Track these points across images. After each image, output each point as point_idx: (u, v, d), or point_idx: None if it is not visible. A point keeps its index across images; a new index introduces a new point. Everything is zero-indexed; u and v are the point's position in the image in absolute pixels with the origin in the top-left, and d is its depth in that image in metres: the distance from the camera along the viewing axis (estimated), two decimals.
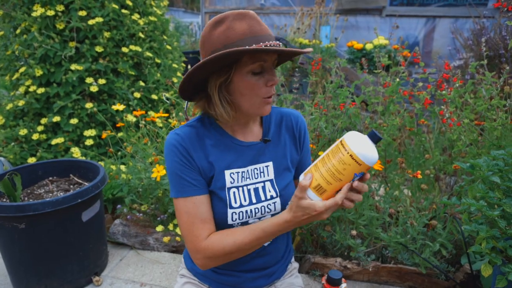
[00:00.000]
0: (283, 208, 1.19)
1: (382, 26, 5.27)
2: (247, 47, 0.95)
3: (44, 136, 2.85)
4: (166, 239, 1.98)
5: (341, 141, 0.87)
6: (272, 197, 1.16)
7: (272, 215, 1.18)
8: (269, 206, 1.16)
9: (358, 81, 2.21)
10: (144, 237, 2.06)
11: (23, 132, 2.81)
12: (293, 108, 2.20)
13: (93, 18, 2.89)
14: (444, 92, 1.72)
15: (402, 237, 1.73)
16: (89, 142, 2.83)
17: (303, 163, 1.28)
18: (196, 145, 1.12)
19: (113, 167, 2.53)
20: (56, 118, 2.81)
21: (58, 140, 2.78)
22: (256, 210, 1.15)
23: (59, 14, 2.83)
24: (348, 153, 0.85)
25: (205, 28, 1.03)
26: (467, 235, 1.75)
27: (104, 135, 2.35)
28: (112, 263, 1.94)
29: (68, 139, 2.85)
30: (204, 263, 1.08)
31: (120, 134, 2.91)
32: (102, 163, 2.63)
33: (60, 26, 2.84)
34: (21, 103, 2.86)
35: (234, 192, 1.14)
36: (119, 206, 2.14)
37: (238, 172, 1.15)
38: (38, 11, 2.77)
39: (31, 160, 2.77)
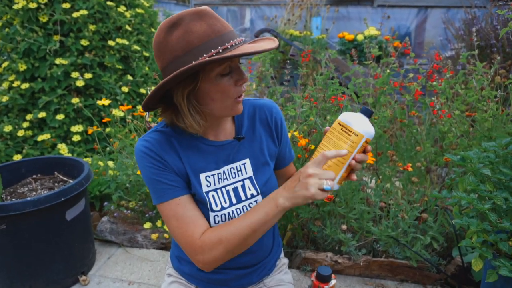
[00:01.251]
0: None
1: (374, 17, 5.22)
2: (212, 51, 0.89)
3: (30, 133, 2.78)
4: (154, 236, 1.95)
5: (338, 123, 0.93)
6: (253, 195, 1.13)
7: None
8: (250, 205, 1.13)
9: (348, 73, 2.18)
10: (133, 234, 2.02)
11: (7, 128, 2.74)
12: (283, 101, 2.16)
13: (77, 10, 2.81)
14: (434, 83, 1.69)
15: (393, 231, 1.71)
16: (76, 138, 2.77)
17: (282, 154, 1.25)
18: (167, 148, 1.06)
19: (101, 163, 2.48)
20: (42, 114, 2.74)
21: (44, 136, 2.72)
22: (238, 210, 1.11)
23: (42, 6, 2.75)
24: (349, 130, 0.91)
25: (158, 32, 0.94)
26: (458, 228, 1.73)
27: (90, 131, 2.29)
28: (100, 261, 1.90)
29: (54, 135, 2.79)
30: (206, 262, 1.01)
31: (107, 130, 2.85)
32: (89, 160, 2.58)
33: (43, 19, 2.76)
34: (5, 98, 2.78)
35: (213, 196, 1.10)
36: (106, 203, 2.10)
37: (213, 175, 1.11)
38: (19, 3, 2.68)
39: (17, 158, 2.71)
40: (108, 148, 2.79)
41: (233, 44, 0.92)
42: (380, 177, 2.12)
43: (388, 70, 2.05)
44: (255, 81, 3.55)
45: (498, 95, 1.57)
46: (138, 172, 1.72)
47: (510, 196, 1.25)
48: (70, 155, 2.60)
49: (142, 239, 2.02)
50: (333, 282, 1.24)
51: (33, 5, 2.70)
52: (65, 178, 1.88)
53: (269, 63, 3.36)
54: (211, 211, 1.08)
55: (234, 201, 1.11)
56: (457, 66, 2.92)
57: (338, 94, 1.73)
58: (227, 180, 1.12)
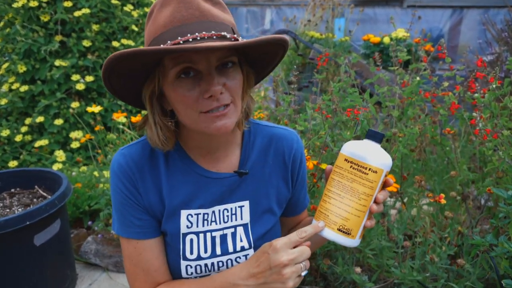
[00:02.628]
0: None
1: (403, 18, 4.85)
2: (168, 43, 0.68)
3: (29, 138, 2.64)
4: None
5: (345, 159, 0.74)
6: (243, 248, 0.87)
7: None
8: (237, 259, 0.87)
9: (370, 80, 1.88)
10: (119, 258, 1.81)
11: (5, 133, 2.61)
12: (291, 112, 1.89)
13: (79, 9, 2.64)
14: (476, 94, 1.38)
15: (419, 273, 1.40)
16: (75, 144, 2.60)
17: (295, 199, 0.98)
18: (145, 172, 0.83)
19: (96, 173, 2.29)
20: (40, 119, 2.59)
21: (42, 142, 2.57)
22: (221, 263, 0.86)
23: (43, 5, 2.60)
24: (364, 168, 0.72)
25: None
26: (502, 274, 1.41)
27: (82, 139, 2.11)
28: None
29: (53, 141, 2.64)
30: None
31: (109, 136, 2.67)
32: (85, 169, 2.39)
33: (44, 18, 2.61)
34: (3, 101, 2.66)
35: (191, 240, 0.85)
36: (90, 222, 1.90)
37: (198, 214, 0.86)
38: (20, 1, 2.55)
39: (13, 164, 2.57)
40: (109, 157, 2.61)
41: (197, 38, 0.67)
42: (406, 200, 1.81)
43: (418, 78, 1.74)
44: (273, 85, 3.30)
45: None
46: None
47: None
48: (59, 165, 2.40)
49: None
50: None
51: (34, 4, 2.56)
52: (45, 194, 1.69)
53: (282, 67, 3.10)
54: (183, 259, 0.84)
55: (218, 251, 0.86)
56: (498, 73, 2.55)
57: (356, 106, 1.45)
58: (215, 224, 0.87)
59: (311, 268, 1.71)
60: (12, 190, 1.73)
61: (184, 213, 0.85)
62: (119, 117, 2.06)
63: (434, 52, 1.99)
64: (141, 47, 0.65)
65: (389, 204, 1.74)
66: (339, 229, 0.73)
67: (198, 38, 0.67)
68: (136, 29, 2.95)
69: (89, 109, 1.93)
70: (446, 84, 1.70)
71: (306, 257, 0.71)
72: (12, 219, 1.31)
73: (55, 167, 2.31)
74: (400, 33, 3.27)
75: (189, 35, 0.67)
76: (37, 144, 2.56)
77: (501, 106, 1.44)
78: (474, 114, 1.31)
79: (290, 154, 0.93)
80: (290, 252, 0.70)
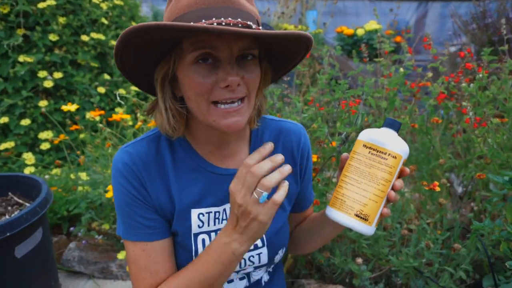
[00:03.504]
0: (270, 259, 0.87)
1: (371, 11, 4.96)
2: (191, 24, 0.61)
3: None
4: None
5: (363, 145, 0.74)
6: (256, 247, 0.84)
7: (256, 267, 0.86)
8: (251, 258, 0.84)
9: (353, 72, 1.89)
10: (106, 264, 1.71)
11: None
12: (281, 105, 1.87)
13: (44, 0, 2.46)
14: (464, 84, 1.42)
15: (415, 260, 1.43)
16: (45, 146, 2.43)
17: (302, 194, 0.96)
18: (153, 170, 0.79)
19: (72, 176, 2.16)
20: (4, 119, 2.40)
21: (8, 144, 2.38)
22: None
23: None
24: (383, 153, 0.71)
25: None
26: (491, 255, 1.47)
27: (56, 140, 1.97)
28: None
29: (20, 142, 2.45)
30: None
31: (82, 136, 2.52)
32: (58, 172, 2.25)
33: (4, 10, 2.40)
34: None
35: (203, 240, 0.81)
36: (72, 228, 1.78)
37: (209, 213, 0.82)
38: None
39: None
40: (83, 157, 2.46)
41: (222, 23, 0.63)
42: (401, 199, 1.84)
43: (401, 69, 1.77)
44: None
45: None
46: (109, 194, 1.41)
47: None
48: (31, 168, 2.24)
49: (117, 269, 1.71)
50: None
51: None
52: (20, 201, 1.56)
53: None
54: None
55: None
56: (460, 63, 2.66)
57: (348, 98, 1.45)
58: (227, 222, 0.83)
59: (306, 261, 1.70)
60: None
61: (195, 212, 0.81)
62: (96, 115, 1.94)
63: (419, 44, 2.03)
64: (147, 23, 0.59)
65: None
66: (356, 215, 0.71)
67: (223, 23, 0.63)
68: (106, 22, 2.80)
69: (64, 107, 1.80)
70: (430, 74, 1.74)
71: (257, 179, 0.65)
72: None
73: (27, 170, 2.15)
74: (373, 25, 3.32)
75: (214, 18, 0.63)
76: (2, 146, 2.37)
77: (486, 95, 1.49)
78: (463, 103, 1.34)
79: (298, 148, 0.91)
80: (240, 189, 0.66)
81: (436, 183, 1.36)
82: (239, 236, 0.68)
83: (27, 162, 2.33)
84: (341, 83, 1.64)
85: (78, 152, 2.13)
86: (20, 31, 2.43)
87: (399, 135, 0.75)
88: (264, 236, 0.85)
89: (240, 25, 0.63)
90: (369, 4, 4.92)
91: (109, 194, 1.41)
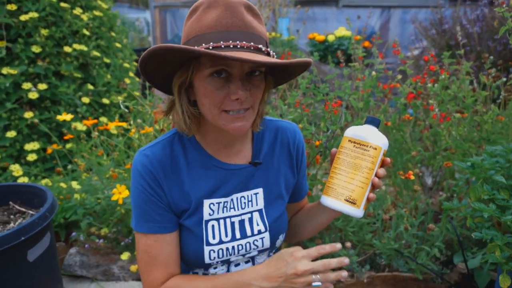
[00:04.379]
0: (272, 244, 1.00)
1: (339, 17, 5.23)
2: (211, 44, 0.76)
3: None
4: (133, 267, 1.72)
5: (348, 140, 0.86)
6: (260, 232, 0.97)
7: (259, 251, 0.99)
8: (255, 242, 0.97)
9: (330, 76, 2.07)
10: (107, 266, 1.78)
11: None
12: (268, 109, 2.01)
13: (26, 13, 2.48)
14: (429, 85, 1.62)
15: (396, 242, 1.61)
16: (31, 157, 2.44)
17: (298, 186, 1.10)
18: (168, 170, 0.90)
19: (63, 185, 2.19)
20: None
21: None
22: (240, 247, 0.95)
23: None
24: (365, 145, 0.84)
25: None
26: (460, 233, 1.67)
27: (49, 150, 2.01)
28: None
29: (5, 155, 2.45)
30: None
31: (69, 146, 2.55)
32: (49, 182, 2.27)
33: None
34: None
35: (213, 226, 0.93)
36: (73, 233, 1.84)
37: (219, 203, 0.94)
38: None
39: None
40: (69, 166, 2.49)
41: (237, 46, 0.76)
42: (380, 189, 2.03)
43: (374, 72, 1.97)
44: None
45: (501, 97, 1.52)
46: (114, 197, 1.50)
47: None
48: (25, 178, 2.28)
49: (119, 270, 1.78)
50: None
51: None
52: (22, 209, 1.61)
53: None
54: (207, 245, 0.92)
55: (237, 235, 0.95)
56: (425, 66, 2.92)
57: (331, 100, 1.61)
58: (234, 210, 0.96)
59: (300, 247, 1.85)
60: None
61: (207, 202, 0.93)
62: (90, 124, 2.01)
63: (390, 49, 2.23)
64: (185, 46, 0.72)
65: None
66: (346, 200, 0.84)
67: (238, 46, 0.75)
68: (87, 33, 2.84)
69: (60, 117, 1.85)
70: (399, 76, 1.94)
71: (323, 270, 0.77)
72: (7, 236, 1.25)
73: (20, 181, 2.17)
74: (343, 31, 3.55)
75: (231, 41, 0.76)
76: None
77: (448, 94, 1.70)
78: (430, 101, 1.54)
79: (294, 144, 1.04)
80: (307, 263, 0.77)
81: (411, 172, 1.55)
82: (267, 285, 0.80)
83: (15, 173, 2.33)
84: (322, 87, 1.81)
85: (76, 160, 2.17)
86: (2, 43, 2.44)
87: (379, 130, 0.90)
88: (266, 222, 0.98)
89: (252, 48, 0.77)
90: (336, 11, 5.20)
91: (114, 197, 1.49)
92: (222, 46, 0.75)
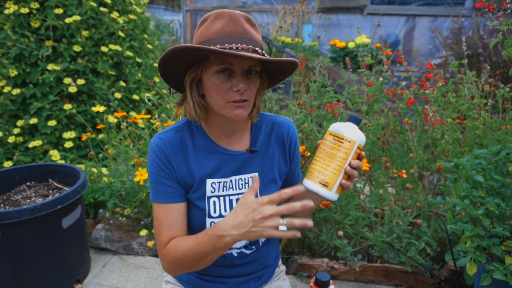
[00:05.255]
0: None
1: (364, 25, 5.32)
2: (218, 47, 0.93)
3: (20, 139, 2.74)
4: (150, 243, 1.94)
5: (329, 133, 0.97)
6: None
7: None
8: None
9: (341, 80, 2.22)
10: (128, 242, 2.01)
11: None
12: (278, 108, 2.19)
13: (70, 16, 2.79)
14: (427, 91, 1.74)
15: (388, 236, 1.74)
16: (68, 144, 2.74)
17: (291, 174, 1.26)
18: (177, 151, 1.09)
19: (94, 170, 2.46)
20: (33, 120, 2.70)
21: (36, 142, 2.68)
22: None
23: (34, 11, 2.73)
24: (341, 138, 0.95)
25: (198, 24, 1.04)
26: (451, 233, 1.77)
27: (84, 137, 2.28)
28: (95, 269, 1.89)
29: (46, 141, 2.75)
30: (166, 268, 1.07)
31: (101, 136, 2.83)
32: (82, 167, 2.55)
33: (35, 24, 2.73)
34: None
35: (214, 202, 1.12)
36: (101, 210, 2.08)
37: (220, 182, 1.12)
38: (11, 8, 2.66)
39: (8, 164, 2.67)
40: (100, 155, 2.77)
41: (239, 48, 0.94)
42: (374, 183, 2.15)
43: (381, 78, 2.10)
44: None
45: (489, 104, 1.62)
46: (136, 179, 1.72)
47: (501, 202, 1.29)
48: (62, 161, 2.57)
49: (138, 246, 2.00)
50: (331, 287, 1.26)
51: (24, 10, 2.68)
52: (59, 185, 1.87)
53: None
54: (208, 217, 1.10)
55: None
56: (445, 74, 2.99)
57: (333, 102, 1.76)
58: (232, 190, 1.14)
59: (299, 241, 2.00)
60: (28, 183, 1.89)
61: (209, 181, 1.11)
62: (120, 116, 2.25)
63: (393, 56, 2.36)
64: (194, 45, 0.91)
65: (361, 187, 2.07)
66: (320, 182, 0.97)
67: (240, 48, 0.94)
68: (122, 34, 3.13)
69: (94, 108, 2.11)
70: (403, 83, 2.06)
71: (288, 213, 0.84)
72: (46, 203, 1.49)
73: None
74: (363, 38, 3.67)
75: (233, 44, 0.95)
76: (31, 144, 2.67)
77: (446, 100, 1.81)
78: (425, 106, 1.66)
79: (287, 137, 1.21)
80: (273, 207, 0.85)
81: (404, 171, 1.68)
82: (237, 232, 0.88)
83: (53, 158, 2.63)
84: (329, 90, 1.96)
85: (106, 147, 2.43)
86: (49, 43, 2.76)
87: (359, 128, 1.05)
88: None
89: (250, 49, 0.95)
90: (361, 19, 5.29)
91: (137, 178, 1.72)
92: (227, 48, 0.94)
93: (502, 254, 1.20)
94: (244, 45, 0.95)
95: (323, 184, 1.01)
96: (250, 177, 1.16)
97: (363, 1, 5.23)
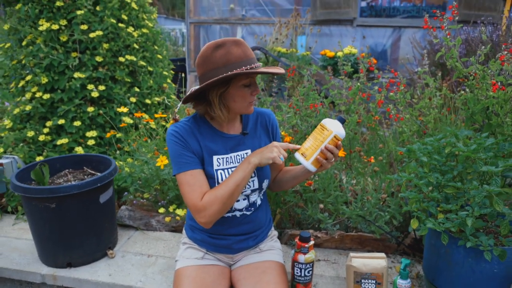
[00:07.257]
0: (260, 184, 1.59)
1: (353, 35, 5.77)
2: (243, 68, 1.35)
3: (49, 138, 3.16)
4: (167, 219, 2.34)
5: (320, 124, 1.41)
6: (251, 176, 1.56)
7: (252, 190, 1.58)
8: (249, 183, 1.56)
9: (326, 86, 2.65)
10: (148, 220, 2.42)
11: (30, 133, 3.11)
12: (271, 109, 2.61)
13: (93, 31, 3.23)
14: (391, 94, 2.17)
15: (361, 210, 2.15)
16: (91, 142, 3.15)
17: None
18: (189, 134, 1.51)
19: (117, 162, 2.87)
20: (61, 121, 3.12)
21: (63, 140, 3.10)
22: None
23: (63, 28, 3.16)
24: (324, 128, 1.40)
25: (205, 49, 1.39)
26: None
27: (108, 134, 2.69)
28: (121, 241, 2.29)
29: (71, 140, 3.17)
30: (207, 217, 1.43)
31: (119, 135, 3.25)
32: None
33: (63, 38, 3.17)
34: (28, 107, 3.16)
35: (221, 173, 1.53)
36: (125, 193, 2.49)
37: (223, 158, 1.54)
38: (44, 25, 3.09)
39: (39, 159, 3.07)
40: (118, 152, 3.18)
41: (255, 66, 1.38)
42: (354, 172, 2.57)
43: (358, 84, 2.53)
44: None
45: (436, 102, 2.05)
46: (158, 163, 2.13)
47: (440, 175, 1.70)
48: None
49: (156, 223, 2.41)
50: (311, 242, 1.68)
51: (55, 27, 3.12)
52: (93, 172, 2.28)
53: (260, 77, 3.81)
54: (218, 184, 1.51)
55: None
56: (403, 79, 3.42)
57: (315, 103, 2.19)
58: (233, 163, 1.56)
59: (289, 217, 2.41)
60: (67, 170, 2.30)
61: (215, 158, 1.53)
62: (139, 116, 2.67)
63: (378, 64, 2.79)
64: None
65: (339, 173, 2.48)
66: (301, 154, 1.43)
67: (254, 67, 1.37)
68: (136, 46, 3.57)
69: (118, 109, 2.53)
70: (376, 88, 2.49)
71: (283, 153, 1.38)
72: (90, 181, 1.91)
73: None
74: (351, 49, 4.11)
75: (253, 64, 1.37)
76: (59, 142, 3.09)
77: (408, 101, 2.24)
78: (390, 106, 2.08)
79: (270, 123, 1.65)
80: (279, 143, 1.41)
81: (372, 157, 2.09)
82: (257, 155, 1.41)
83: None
84: (312, 93, 2.39)
85: (118, 146, 2.85)
86: (75, 54, 3.19)
87: (342, 125, 1.47)
88: (255, 171, 1.57)
89: (258, 65, 1.39)
90: (351, 30, 5.75)
91: (158, 163, 2.13)
92: (248, 68, 1.37)
93: (436, 212, 1.61)
94: (256, 64, 1.39)
95: (303, 155, 1.44)
96: (245, 153, 1.59)
97: (352, 14, 5.70)
